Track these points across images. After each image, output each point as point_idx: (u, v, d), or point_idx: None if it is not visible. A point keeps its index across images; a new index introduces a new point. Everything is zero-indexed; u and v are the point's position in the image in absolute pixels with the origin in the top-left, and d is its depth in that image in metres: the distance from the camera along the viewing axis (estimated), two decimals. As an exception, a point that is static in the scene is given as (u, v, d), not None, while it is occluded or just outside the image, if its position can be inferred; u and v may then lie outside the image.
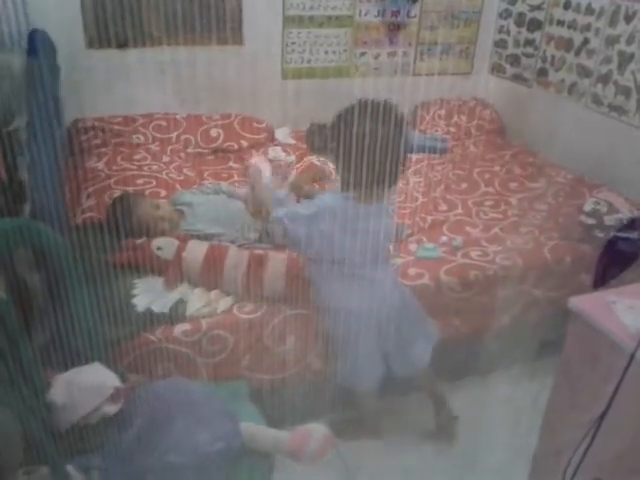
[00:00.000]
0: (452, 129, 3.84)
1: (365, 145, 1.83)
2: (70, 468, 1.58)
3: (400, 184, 2.35)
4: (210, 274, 2.24)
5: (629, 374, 1.31)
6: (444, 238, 2.72)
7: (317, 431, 1.80)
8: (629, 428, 1.52)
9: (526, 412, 2.41)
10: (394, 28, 3.82)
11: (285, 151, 3.46)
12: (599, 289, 2.50)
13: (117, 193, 2.67)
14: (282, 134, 3.65)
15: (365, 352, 2.18)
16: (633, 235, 2.53)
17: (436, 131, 3.83)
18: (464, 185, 3.29)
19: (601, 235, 2.67)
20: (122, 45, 3.23)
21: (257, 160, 2.75)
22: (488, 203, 3.11)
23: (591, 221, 2.75)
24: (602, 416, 1.30)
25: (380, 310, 2.14)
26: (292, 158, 3.32)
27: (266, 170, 2.33)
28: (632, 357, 1.27)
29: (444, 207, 3.03)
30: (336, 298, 2.13)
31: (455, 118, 3.91)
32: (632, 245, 2.51)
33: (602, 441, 1.35)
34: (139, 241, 2.36)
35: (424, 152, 3.39)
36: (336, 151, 1.92)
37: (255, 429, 1.80)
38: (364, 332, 2.15)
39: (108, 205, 2.55)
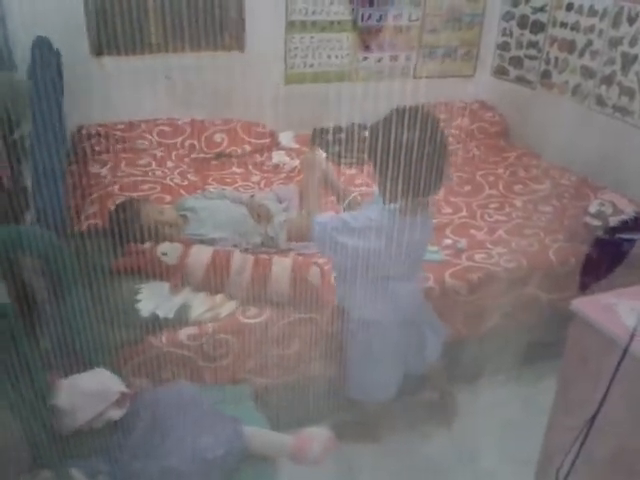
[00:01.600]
0: (455, 132, 3.84)
1: (411, 154, 1.74)
2: (74, 472, 1.59)
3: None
4: (214, 279, 2.25)
5: (626, 372, 1.30)
6: (448, 241, 2.72)
7: (320, 434, 1.81)
8: (625, 428, 1.51)
9: (531, 414, 2.40)
10: (396, 32, 3.83)
11: (289, 155, 3.48)
12: (585, 290, 2.50)
13: (121, 199, 2.67)
14: (286, 138, 3.65)
15: (393, 366, 2.19)
16: (618, 237, 2.53)
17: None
18: (468, 188, 3.28)
19: (606, 237, 2.66)
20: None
21: None
22: (492, 205, 3.11)
23: (596, 222, 2.74)
24: (594, 416, 1.29)
25: (411, 321, 2.15)
26: (296, 162, 3.34)
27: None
28: (625, 352, 1.26)
29: (448, 210, 3.03)
30: (371, 311, 2.09)
31: (458, 121, 3.90)
32: (619, 246, 2.51)
33: (598, 442, 1.34)
34: (143, 246, 2.37)
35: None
36: (380, 161, 1.80)
37: (258, 433, 1.80)
38: (395, 346, 2.15)
39: (112, 210, 2.56)
